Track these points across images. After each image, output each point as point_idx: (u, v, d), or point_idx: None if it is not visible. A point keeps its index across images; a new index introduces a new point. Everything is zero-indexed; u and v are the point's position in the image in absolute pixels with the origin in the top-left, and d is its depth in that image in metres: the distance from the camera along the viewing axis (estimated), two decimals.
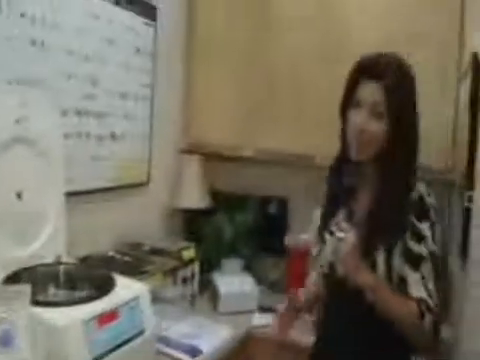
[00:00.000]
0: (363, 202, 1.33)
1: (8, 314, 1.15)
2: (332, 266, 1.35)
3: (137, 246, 2.15)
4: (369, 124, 1.25)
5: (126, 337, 1.32)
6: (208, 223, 2.47)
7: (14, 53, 1.66)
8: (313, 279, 1.60)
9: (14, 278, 1.35)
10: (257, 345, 1.94)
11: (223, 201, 2.58)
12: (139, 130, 2.33)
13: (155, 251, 2.11)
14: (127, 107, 2.23)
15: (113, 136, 2.15)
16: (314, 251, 1.50)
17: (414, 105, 1.30)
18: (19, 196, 1.49)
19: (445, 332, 1.75)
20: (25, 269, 1.42)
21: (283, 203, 2.55)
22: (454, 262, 1.77)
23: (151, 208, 2.47)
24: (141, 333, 1.38)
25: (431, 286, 1.22)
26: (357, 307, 1.27)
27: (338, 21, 2.20)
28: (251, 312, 2.09)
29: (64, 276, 1.49)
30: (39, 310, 1.21)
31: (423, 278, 1.22)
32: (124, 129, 2.22)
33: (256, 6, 2.41)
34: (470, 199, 1.41)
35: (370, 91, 1.25)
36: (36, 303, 1.23)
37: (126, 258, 2.00)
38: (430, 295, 1.22)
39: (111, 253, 2.04)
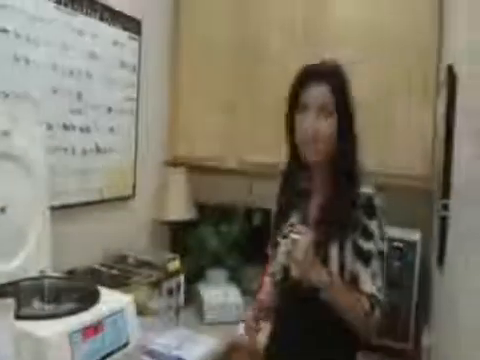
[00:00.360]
0: (316, 203, 1.39)
1: None
2: (285, 269, 1.36)
3: (123, 259, 2.16)
4: (320, 124, 1.32)
5: (111, 349, 1.34)
6: (193, 235, 2.49)
7: None
8: (268, 284, 1.63)
9: None
10: (242, 355, 1.95)
11: (208, 213, 2.60)
12: (124, 143, 2.35)
13: (140, 263, 2.12)
14: (112, 121, 2.25)
15: (98, 150, 2.16)
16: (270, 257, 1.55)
17: (353, 106, 1.38)
18: (3, 210, 1.50)
19: (426, 338, 1.78)
20: (9, 283, 1.43)
21: (267, 214, 2.56)
22: (434, 270, 1.81)
23: (136, 221, 2.48)
24: (125, 345, 1.39)
25: (380, 282, 1.30)
26: (309, 309, 1.32)
27: (321, 32, 2.24)
28: (236, 322, 2.10)
29: (49, 290, 1.50)
30: (23, 323, 1.22)
31: (373, 274, 1.30)
32: (109, 143, 2.24)
33: (240, 21, 2.44)
34: (445, 207, 1.45)
35: (317, 93, 1.33)
36: (20, 317, 1.24)
37: (112, 271, 2.02)
38: (379, 290, 1.29)
39: (97, 266, 2.05)
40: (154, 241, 2.60)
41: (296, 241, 1.24)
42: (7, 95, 1.71)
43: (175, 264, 2.17)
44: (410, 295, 1.93)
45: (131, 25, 2.35)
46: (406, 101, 2.08)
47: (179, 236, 2.57)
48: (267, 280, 1.63)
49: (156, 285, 2.02)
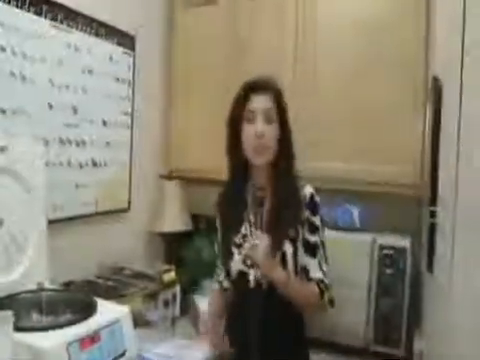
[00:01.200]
0: (266, 208, 1.49)
1: None
2: (242, 274, 1.50)
3: (119, 270, 2.18)
4: (265, 128, 1.45)
5: (108, 359, 1.35)
6: (189, 246, 2.51)
7: None
8: (215, 291, 1.74)
9: None
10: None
11: (203, 224, 2.62)
12: (120, 157, 2.38)
13: (136, 275, 2.14)
14: (108, 135, 2.28)
15: (94, 163, 2.19)
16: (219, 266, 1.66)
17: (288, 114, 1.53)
18: (0, 224, 1.52)
19: (417, 344, 1.81)
20: (8, 296, 1.45)
21: None
22: (424, 276, 1.84)
23: (132, 233, 2.51)
24: (122, 355, 1.41)
25: (325, 268, 1.50)
26: (267, 309, 1.45)
27: (307, 48, 2.29)
28: None
29: (46, 302, 1.51)
30: (22, 335, 1.24)
31: (319, 262, 1.49)
32: (105, 156, 2.27)
33: (232, 35, 2.48)
34: (433, 214, 1.48)
35: (262, 101, 1.47)
36: (19, 329, 1.25)
37: (108, 282, 2.03)
38: (325, 275, 1.49)
39: (93, 278, 2.06)
40: (150, 253, 2.62)
41: (255, 246, 1.39)
42: (4, 111, 1.74)
43: (171, 275, 2.19)
44: (402, 301, 1.96)
45: (125, 41, 2.39)
46: (397, 112, 2.12)
47: (174, 247, 2.59)
48: (216, 287, 1.72)
49: (152, 296, 2.03)
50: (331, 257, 2.00)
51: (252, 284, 1.48)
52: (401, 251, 1.97)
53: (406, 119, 2.09)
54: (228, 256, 1.53)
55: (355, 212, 2.19)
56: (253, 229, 1.48)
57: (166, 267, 2.25)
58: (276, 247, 1.43)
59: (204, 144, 2.53)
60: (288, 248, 1.45)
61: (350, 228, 2.15)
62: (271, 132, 1.46)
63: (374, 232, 2.09)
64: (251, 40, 2.44)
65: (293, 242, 1.46)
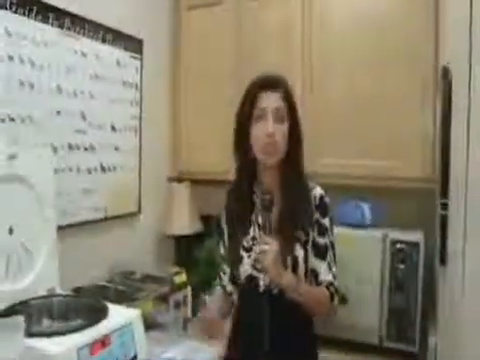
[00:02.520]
0: (275, 210, 1.44)
1: (3, 346, 1.18)
2: (251, 279, 1.45)
3: (129, 274, 2.19)
4: (276, 127, 1.41)
5: None
6: (199, 247, 2.51)
7: (4, 93, 1.72)
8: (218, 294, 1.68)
9: (9, 312, 1.38)
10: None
11: (213, 225, 2.62)
12: (128, 161, 2.39)
13: (147, 278, 2.14)
14: (116, 139, 2.30)
15: (103, 168, 2.20)
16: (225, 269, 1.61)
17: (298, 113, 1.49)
18: (11, 231, 1.53)
19: (431, 340, 1.78)
20: (19, 303, 1.46)
21: None
22: (437, 270, 1.82)
23: (142, 236, 2.51)
24: (133, 359, 1.42)
25: (335, 269, 1.47)
26: (276, 314, 1.42)
27: (314, 44, 2.28)
28: None
29: (57, 308, 1.53)
30: (33, 341, 1.25)
31: (329, 265, 1.45)
32: (114, 161, 2.28)
33: (238, 35, 2.48)
34: (444, 207, 1.46)
35: (272, 99, 1.42)
36: (30, 334, 1.26)
37: (119, 287, 2.04)
38: (334, 277, 1.46)
39: (104, 283, 2.07)
40: (160, 255, 2.63)
41: (265, 251, 1.34)
42: (13, 119, 1.75)
43: (181, 277, 2.20)
44: (415, 297, 1.94)
45: (132, 45, 2.40)
46: (406, 105, 2.10)
47: (185, 250, 2.59)
48: (218, 291, 1.68)
49: (163, 299, 2.04)
50: (343, 254, 2.00)
51: (262, 289, 1.44)
52: (413, 245, 1.96)
53: (415, 112, 2.08)
54: (237, 260, 1.48)
55: (366, 208, 2.17)
56: (261, 233, 1.42)
57: (177, 269, 2.26)
58: (287, 252, 1.39)
59: (213, 145, 2.53)
60: (299, 252, 1.42)
61: (361, 224, 2.13)
62: (281, 131, 1.42)
63: (386, 228, 2.08)
64: (257, 39, 2.43)
65: (304, 245, 1.43)
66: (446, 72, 1.52)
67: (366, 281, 1.99)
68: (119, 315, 1.47)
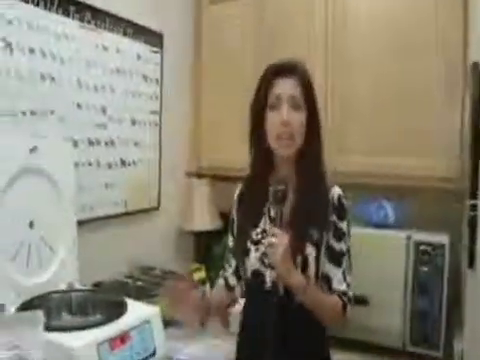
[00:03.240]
0: (288, 205, 1.37)
1: (22, 340, 1.19)
2: (257, 274, 1.39)
3: (148, 270, 2.20)
4: (291, 116, 1.34)
5: (138, 359, 1.37)
6: (218, 244, 2.51)
7: (25, 87, 1.74)
8: (219, 285, 1.62)
9: (28, 306, 1.41)
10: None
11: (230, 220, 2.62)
12: (148, 156, 2.40)
13: (166, 274, 2.15)
14: (136, 134, 2.31)
15: (123, 163, 2.22)
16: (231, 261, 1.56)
17: (317, 102, 1.41)
18: (31, 225, 1.55)
19: (458, 345, 1.75)
20: (39, 297, 1.48)
21: None
22: (465, 274, 1.79)
23: (162, 232, 2.53)
24: (152, 355, 1.43)
25: (349, 279, 1.38)
26: (283, 313, 1.32)
27: (343, 39, 2.26)
28: None
29: (77, 302, 1.55)
30: (53, 335, 1.27)
31: (343, 273, 1.37)
32: (134, 155, 2.29)
33: (263, 29, 2.47)
34: (474, 208, 1.43)
35: (287, 86, 1.36)
36: (50, 329, 1.28)
37: (138, 282, 2.06)
38: (349, 286, 1.37)
39: (123, 278, 2.09)
40: (179, 251, 2.64)
41: (273, 245, 1.25)
42: (34, 113, 1.77)
43: (201, 274, 2.20)
44: (440, 300, 1.91)
45: (153, 39, 2.41)
46: (432, 101, 2.07)
47: (204, 246, 2.60)
48: (220, 283, 1.62)
49: None
50: (365, 254, 1.99)
51: (268, 285, 1.36)
52: (439, 247, 1.92)
53: (443, 109, 2.04)
54: (244, 253, 1.42)
55: (389, 208, 2.15)
56: (272, 226, 1.35)
57: (196, 266, 2.26)
58: (297, 249, 1.30)
59: (234, 141, 2.51)
60: (310, 251, 1.33)
61: (384, 224, 2.11)
62: (297, 120, 1.35)
63: (410, 228, 2.05)
64: (280, 30, 2.41)
65: (316, 246, 1.34)
66: (476, 67, 1.49)
67: (388, 283, 1.97)
68: (139, 311, 1.49)
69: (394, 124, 2.12)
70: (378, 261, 1.97)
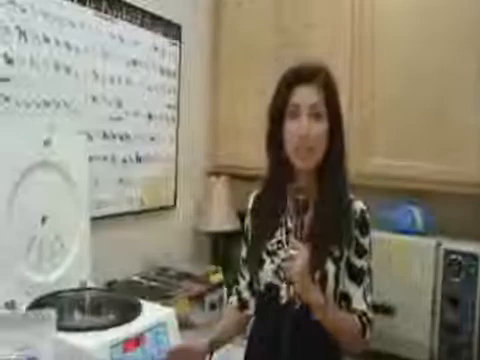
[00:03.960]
0: (308, 217, 1.31)
1: (33, 340, 1.18)
2: (271, 287, 1.34)
3: (163, 270, 2.18)
4: (311, 127, 1.29)
5: None
6: (236, 246, 2.48)
7: (39, 77, 1.73)
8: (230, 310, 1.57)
9: (39, 304, 1.39)
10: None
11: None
12: (165, 152, 2.39)
13: (182, 275, 2.14)
14: (153, 128, 2.30)
15: (139, 158, 2.21)
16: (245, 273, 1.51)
17: (341, 108, 1.36)
18: (44, 221, 1.54)
19: None
20: (50, 295, 1.47)
21: None
22: None
23: (178, 231, 2.51)
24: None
25: (369, 299, 1.33)
26: (299, 330, 1.30)
27: (369, 32, 2.22)
28: None
29: (90, 302, 1.53)
30: (65, 335, 1.25)
31: (364, 292, 1.32)
32: (150, 151, 2.28)
33: (282, 24, 2.44)
34: None
35: (307, 94, 1.30)
36: (62, 328, 1.26)
37: (152, 283, 2.04)
38: (369, 307, 1.32)
39: (137, 278, 2.08)
40: (195, 252, 2.63)
41: (293, 258, 1.21)
42: (48, 104, 1.76)
43: (218, 276, 2.18)
44: (472, 312, 1.86)
45: (171, 30, 2.40)
46: (463, 101, 2.02)
47: (221, 247, 2.58)
48: (233, 299, 1.57)
49: (198, 298, 2.03)
50: (391, 261, 1.95)
51: (283, 300, 1.32)
52: (471, 257, 1.87)
53: (478, 109, 1.98)
54: (258, 264, 1.37)
55: (417, 213, 2.10)
56: (291, 238, 1.29)
57: (213, 268, 2.24)
58: (317, 265, 1.26)
59: (254, 139, 2.48)
60: (330, 268, 1.29)
61: (411, 231, 2.06)
62: (318, 131, 1.29)
63: (439, 236, 2.00)
64: (301, 25, 2.38)
65: (336, 262, 1.30)
66: None
67: (416, 292, 1.93)
68: (153, 313, 1.47)
69: (424, 125, 2.08)
70: (405, 269, 1.94)
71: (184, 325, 1.70)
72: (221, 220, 2.53)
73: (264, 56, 2.48)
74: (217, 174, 2.63)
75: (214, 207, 2.55)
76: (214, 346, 1.47)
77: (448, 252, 1.90)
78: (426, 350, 1.91)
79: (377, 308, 1.94)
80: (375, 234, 2.00)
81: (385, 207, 2.11)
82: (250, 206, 1.52)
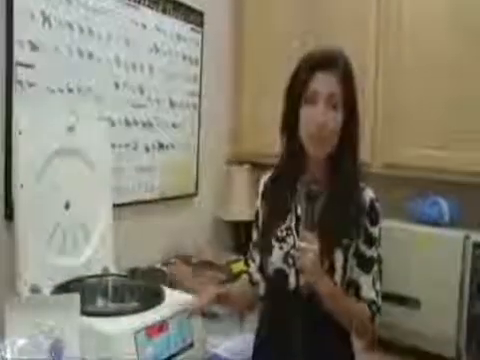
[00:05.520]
0: (318, 205, 1.32)
1: (58, 323, 1.21)
2: (280, 272, 1.36)
3: (185, 259, 2.20)
4: (327, 116, 1.29)
5: (175, 350, 1.37)
6: None
7: (63, 63, 1.75)
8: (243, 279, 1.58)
9: (63, 289, 1.42)
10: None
11: None
12: (187, 139, 2.40)
13: (203, 264, 2.15)
14: (175, 116, 2.31)
15: (161, 146, 2.22)
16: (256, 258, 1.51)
17: (357, 99, 1.36)
18: (67, 206, 1.57)
19: None
20: (74, 280, 1.50)
21: None
22: None
23: (199, 219, 2.53)
24: (190, 346, 1.43)
25: (379, 287, 1.36)
26: (308, 315, 1.33)
27: (398, 27, 2.19)
28: None
29: (112, 288, 1.56)
30: (89, 320, 1.28)
31: (373, 280, 1.34)
32: (172, 138, 2.29)
33: (306, 12, 2.41)
34: None
35: (325, 82, 1.29)
36: (86, 313, 1.29)
37: (174, 271, 2.05)
38: (377, 295, 1.35)
39: (159, 265, 2.10)
40: (216, 241, 2.64)
41: (304, 249, 1.23)
42: (71, 90, 1.79)
43: (239, 265, 2.18)
44: None
45: (193, 17, 2.40)
46: None
47: (243, 236, 2.58)
48: (244, 278, 1.58)
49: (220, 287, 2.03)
50: (417, 253, 1.93)
51: (292, 286, 1.35)
52: None
53: None
54: (267, 250, 1.40)
55: (444, 205, 2.07)
56: (301, 227, 1.32)
57: (234, 256, 2.25)
58: (326, 254, 1.28)
59: (276, 128, 2.49)
60: (339, 257, 1.31)
61: (439, 223, 2.04)
62: (334, 120, 1.30)
63: (468, 228, 1.97)
64: (327, 9, 2.35)
65: (345, 251, 1.32)
66: None
67: (442, 285, 1.90)
68: (177, 300, 1.48)
69: (452, 114, 2.04)
70: (431, 261, 1.92)
71: (205, 315, 1.71)
72: (242, 209, 2.54)
73: (289, 44, 2.45)
74: (239, 163, 2.64)
75: (236, 195, 2.56)
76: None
77: (477, 245, 1.87)
78: (452, 345, 1.89)
79: (402, 301, 1.96)
80: (401, 225, 2.02)
81: (412, 198, 2.09)
82: (261, 190, 1.52)
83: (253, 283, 1.53)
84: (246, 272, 1.57)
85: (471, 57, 2.00)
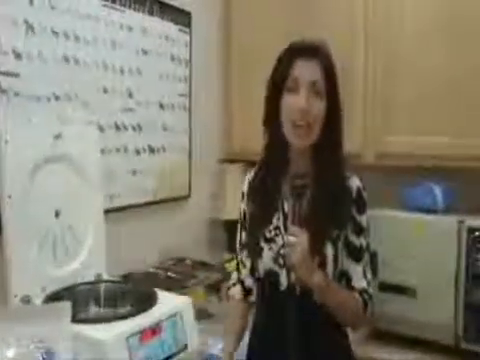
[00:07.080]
0: (305, 200, 1.33)
1: (50, 333, 1.21)
2: (271, 274, 1.36)
3: (179, 261, 2.20)
4: (310, 104, 1.28)
5: (169, 353, 1.37)
6: None
7: (48, 70, 1.75)
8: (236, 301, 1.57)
9: (55, 298, 1.42)
10: None
11: None
12: (178, 141, 2.40)
13: (198, 265, 2.15)
14: (165, 118, 2.30)
15: (151, 149, 2.22)
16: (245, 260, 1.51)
17: (339, 87, 1.36)
18: (57, 214, 1.57)
19: None
20: (65, 288, 1.50)
21: None
22: None
23: (193, 221, 2.53)
24: (184, 349, 1.43)
25: (369, 275, 1.37)
26: (301, 315, 1.33)
27: (387, 31, 2.18)
28: None
29: (105, 294, 1.56)
30: (81, 327, 1.28)
31: (363, 269, 1.36)
32: (163, 141, 2.29)
33: (293, 13, 2.41)
34: None
35: (308, 70, 1.30)
36: (78, 321, 1.29)
37: (169, 273, 2.06)
38: (369, 283, 1.37)
39: (153, 269, 2.10)
40: (211, 241, 2.64)
41: (293, 244, 1.23)
42: (58, 97, 1.78)
43: (233, 264, 2.18)
44: None
45: (181, 18, 2.39)
46: None
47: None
48: (236, 291, 1.57)
49: (215, 287, 2.04)
50: (411, 241, 1.93)
51: (283, 287, 1.35)
52: None
53: None
54: (256, 252, 1.39)
55: (437, 191, 2.07)
56: (288, 223, 1.32)
57: (229, 256, 2.25)
58: (316, 249, 1.27)
59: None
60: (329, 250, 1.31)
61: (432, 209, 2.04)
62: (317, 108, 1.29)
63: (462, 214, 1.97)
64: (317, 9, 2.35)
65: (334, 243, 1.32)
66: None
67: (438, 273, 1.90)
68: (169, 302, 1.48)
69: (445, 100, 2.04)
70: (426, 249, 1.92)
71: (201, 315, 1.72)
72: (236, 208, 2.53)
73: (278, 43, 2.44)
74: (231, 161, 2.64)
75: (229, 195, 2.56)
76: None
77: (471, 230, 1.87)
78: (450, 333, 1.89)
79: (398, 289, 1.96)
80: (395, 213, 2.02)
81: (404, 186, 2.09)
82: (245, 189, 1.52)
83: (246, 292, 1.53)
84: (237, 280, 1.57)
85: (465, 41, 2.00)
